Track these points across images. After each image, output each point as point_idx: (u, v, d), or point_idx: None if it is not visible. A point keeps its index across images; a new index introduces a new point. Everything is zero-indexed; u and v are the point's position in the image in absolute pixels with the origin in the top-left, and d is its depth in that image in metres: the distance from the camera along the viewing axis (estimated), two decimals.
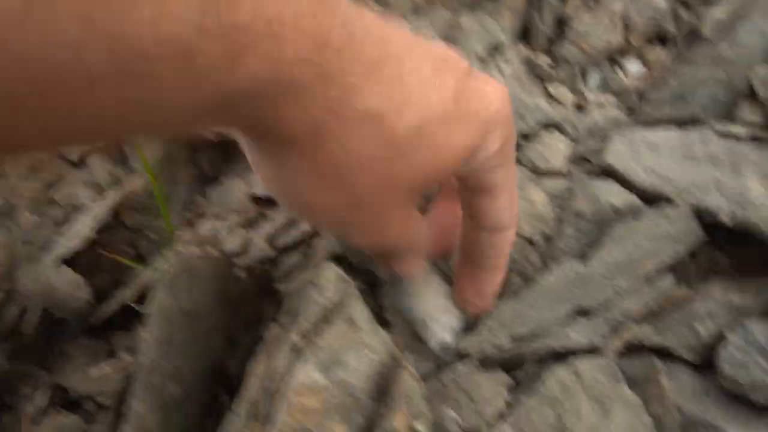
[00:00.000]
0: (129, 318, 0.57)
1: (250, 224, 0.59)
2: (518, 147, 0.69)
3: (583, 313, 0.58)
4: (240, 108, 0.33)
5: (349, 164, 0.38)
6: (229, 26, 0.28)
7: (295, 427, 0.33)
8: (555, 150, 0.67)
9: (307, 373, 0.33)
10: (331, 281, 0.35)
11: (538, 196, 0.62)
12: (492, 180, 0.45)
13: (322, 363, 0.33)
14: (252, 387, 0.35)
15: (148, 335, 0.41)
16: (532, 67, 0.74)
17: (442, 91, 0.38)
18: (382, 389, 0.35)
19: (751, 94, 0.67)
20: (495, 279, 0.55)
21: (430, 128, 0.37)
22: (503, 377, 0.55)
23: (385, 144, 0.37)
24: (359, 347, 0.34)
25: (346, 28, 0.34)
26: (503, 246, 0.53)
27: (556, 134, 0.69)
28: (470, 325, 0.59)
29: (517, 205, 0.49)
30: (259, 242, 0.56)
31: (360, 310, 0.35)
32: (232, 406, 0.36)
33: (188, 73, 0.28)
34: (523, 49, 0.76)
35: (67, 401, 0.54)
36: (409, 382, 0.34)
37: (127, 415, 0.40)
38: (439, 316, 0.55)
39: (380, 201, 0.40)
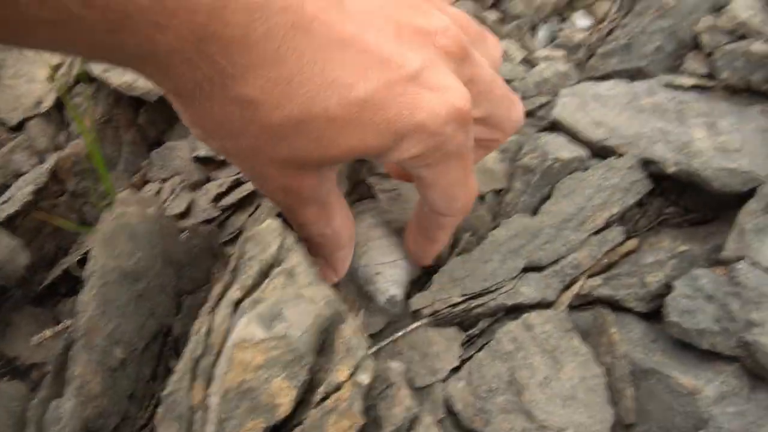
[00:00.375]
0: (75, 284, 0.56)
1: (194, 186, 0.58)
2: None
3: (534, 267, 0.58)
4: (131, 64, 0.35)
5: (216, 130, 0.39)
6: (106, 6, 0.29)
7: (237, 383, 0.33)
8: None
9: (248, 327, 0.32)
10: (270, 236, 0.35)
11: (489, 154, 0.61)
12: (421, 175, 0.46)
13: (262, 317, 0.32)
14: (194, 345, 0.35)
15: (86, 297, 0.40)
16: (479, 23, 0.74)
17: (348, 93, 0.37)
18: (325, 342, 0.35)
19: (697, 46, 0.67)
20: (433, 248, 0.55)
21: (315, 124, 0.37)
22: (455, 333, 0.55)
23: (254, 126, 0.37)
24: (299, 300, 0.33)
25: (248, 25, 0.33)
26: (443, 226, 0.53)
27: None
28: (420, 279, 0.59)
29: (461, 199, 0.49)
30: (203, 203, 0.55)
31: (299, 263, 0.34)
32: (175, 366, 0.36)
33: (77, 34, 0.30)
34: (471, 5, 0.76)
35: (16, 371, 0.53)
36: (351, 334, 0.34)
37: (70, 380, 0.39)
38: (383, 271, 0.55)
39: (251, 165, 0.42)
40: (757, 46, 0.62)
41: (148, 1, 0.30)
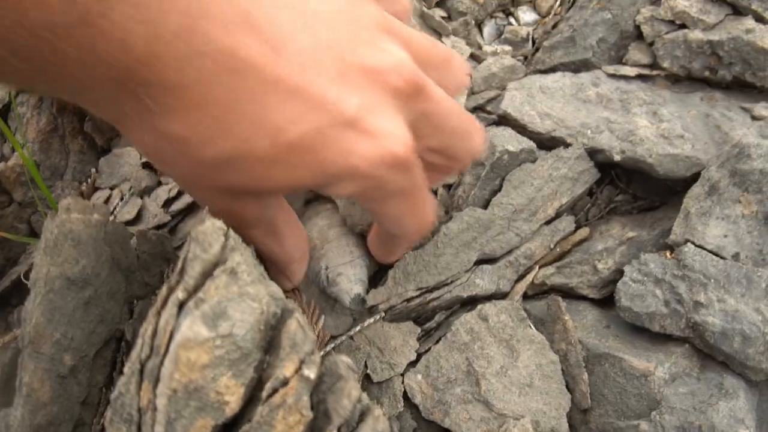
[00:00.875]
0: (26, 294, 0.56)
1: (144, 192, 0.58)
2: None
3: (487, 259, 0.58)
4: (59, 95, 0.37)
5: (152, 156, 0.40)
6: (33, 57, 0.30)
7: (184, 383, 0.33)
8: None
9: (192, 327, 0.32)
10: (212, 236, 0.35)
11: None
12: (367, 207, 0.46)
13: (206, 316, 0.32)
14: (140, 347, 0.34)
15: (31, 305, 0.39)
16: (426, 20, 0.74)
17: (278, 135, 0.36)
18: (271, 339, 0.35)
19: (639, 36, 0.68)
20: (393, 257, 0.57)
21: (245, 162, 0.37)
22: (412, 327, 0.56)
23: (186, 159, 0.37)
24: (242, 298, 0.33)
25: (180, 71, 0.33)
26: (399, 244, 0.54)
27: None
28: (377, 275, 0.59)
29: (413, 226, 0.48)
30: (154, 209, 0.54)
31: (241, 261, 0.34)
32: (122, 369, 0.35)
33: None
34: (417, 3, 0.76)
35: None
36: (296, 330, 0.34)
37: (19, 388, 0.39)
38: (344, 271, 0.55)
39: (190, 189, 0.42)
40: (695, 35, 0.63)
41: (76, 51, 0.30)
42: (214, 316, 0.33)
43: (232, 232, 0.36)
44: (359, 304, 0.55)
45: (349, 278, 0.55)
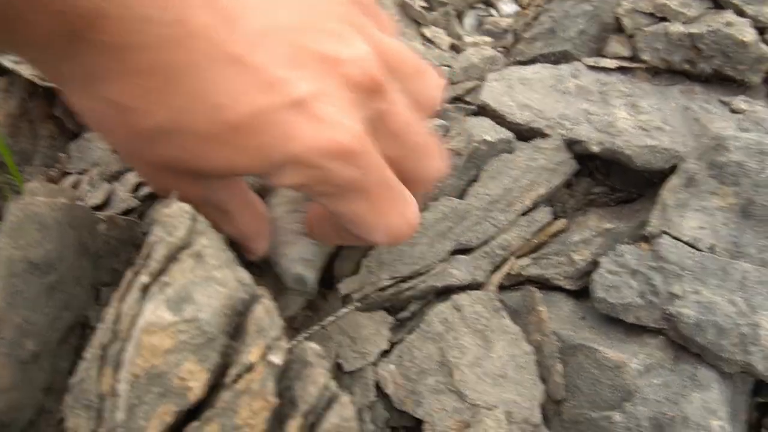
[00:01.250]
0: None
1: (113, 177, 0.57)
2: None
3: (463, 249, 0.58)
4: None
5: (92, 123, 0.39)
6: None
7: (146, 368, 0.32)
8: None
9: (156, 311, 0.32)
10: (178, 219, 0.34)
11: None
12: (321, 203, 0.42)
13: (170, 300, 0.32)
14: (101, 332, 0.34)
15: None
16: (406, 10, 0.74)
17: (220, 113, 0.35)
18: (238, 325, 0.34)
19: (619, 28, 0.68)
20: (339, 242, 0.54)
21: (184, 137, 0.36)
22: (385, 317, 0.55)
23: (124, 128, 0.37)
24: (208, 282, 0.33)
25: (126, 35, 0.32)
26: (359, 240, 0.47)
27: None
28: (331, 254, 0.58)
29: (381, 230, 0.43)
30: (122, 193, 0.54)
31: (207, 245, 0.34)
32: (84, 354, 0.35)
33: None
34: None
35: None
36: (263, 315, 0.34)
37: None
38: (286, 252, 0.53)
39: (130, 162, 0.42)
40: (675, 28, 0.63)
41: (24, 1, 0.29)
42: (179, 300, 0.32)
43: (199, 219, 0.35)
44: (302, 285, 0.53)
45: (290, 258, 0.53)
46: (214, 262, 0.33)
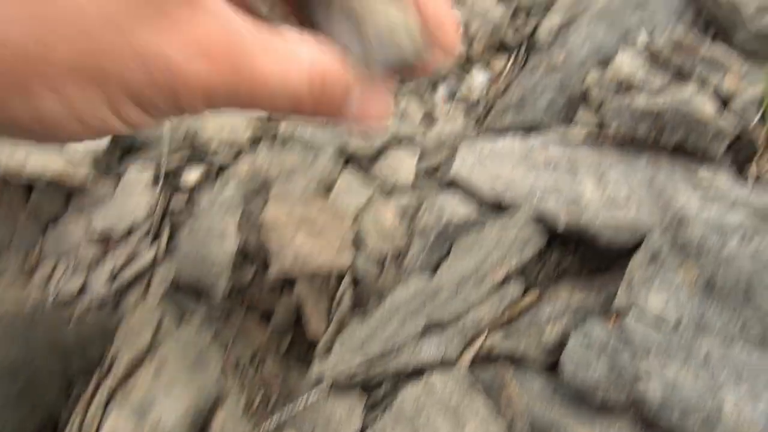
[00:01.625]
0: None
1: (90, 264, 0.57)
2: (369, 164, 0.69)
3: (434, 326, 0.58)
4: None
5: None
6: None
7: None
8: (404, 165, 0.68)
9: (120, 420, 0.32)
10: (143, 324, 0.35)
11: (389, 214, 0.62)
12: None
13: (134, 408, 0.32)
14: None
15: None
16: None
17: None
18: (202, 427, 0.35)
19: (586, 97, 0.70)
20: None
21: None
22: (357, 399, 0.55)
23: None
24: (171, 389, 0.33)
25: None
26: None
27: (405, 149, 0.70)
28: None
29: None
30: (97, 284, 0.54)
31: (172, 350, 0.34)
32: None
33: None
34: None
35: None
36: (226, 420, 0.34)
37: None
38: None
39: None
40: (640, 100, 0.64)
41: None
42: (143, 408, 0.32)
43: (164, 323, 0.36)
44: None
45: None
46: (177, 367, 0.34)
